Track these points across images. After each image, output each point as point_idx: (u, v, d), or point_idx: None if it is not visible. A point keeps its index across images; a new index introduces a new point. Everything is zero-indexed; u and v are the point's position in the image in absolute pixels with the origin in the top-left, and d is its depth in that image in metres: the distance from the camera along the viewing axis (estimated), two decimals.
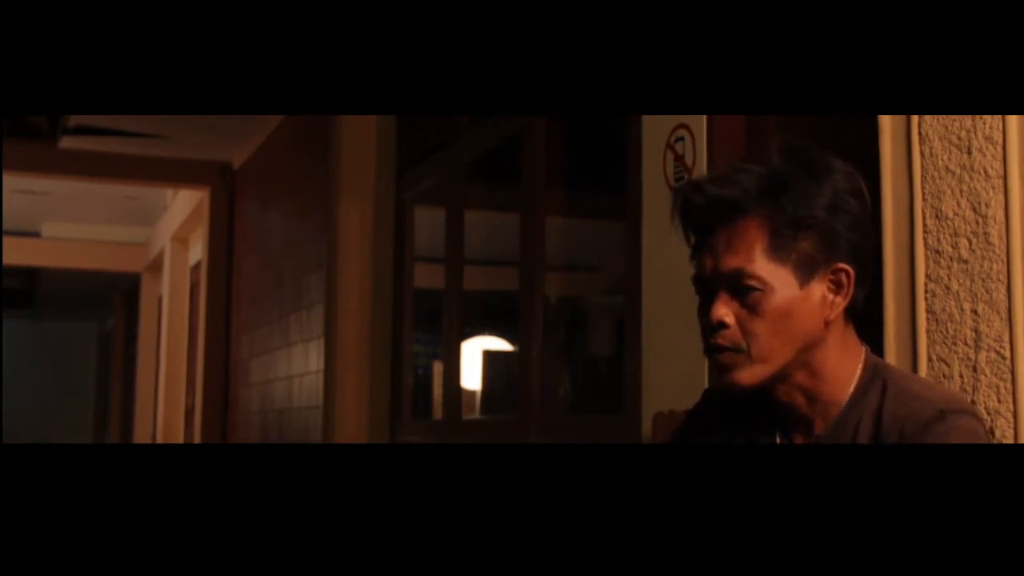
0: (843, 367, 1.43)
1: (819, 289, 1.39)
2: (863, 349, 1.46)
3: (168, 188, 8.67)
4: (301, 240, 5.65)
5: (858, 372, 1.43)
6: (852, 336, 1.45)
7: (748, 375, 1.40)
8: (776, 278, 1.38)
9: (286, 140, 6.03)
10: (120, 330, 13.21)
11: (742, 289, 1.38)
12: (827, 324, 1.40)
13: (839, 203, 1.38)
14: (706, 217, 1.41)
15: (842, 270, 1.39)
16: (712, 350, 1.42)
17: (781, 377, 1.41)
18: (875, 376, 1.42)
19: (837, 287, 1.40)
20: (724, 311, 1.39)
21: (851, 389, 1.42)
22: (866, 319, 1.84)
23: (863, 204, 1.41)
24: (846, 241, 1.39)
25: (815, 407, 1.43)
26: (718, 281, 1.40)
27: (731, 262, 1.38)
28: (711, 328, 1.40)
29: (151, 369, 10.22)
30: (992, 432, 1.71)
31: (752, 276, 1.37)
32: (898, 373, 1.45)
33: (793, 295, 1.38)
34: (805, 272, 1.38)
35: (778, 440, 1.46)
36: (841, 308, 1.41)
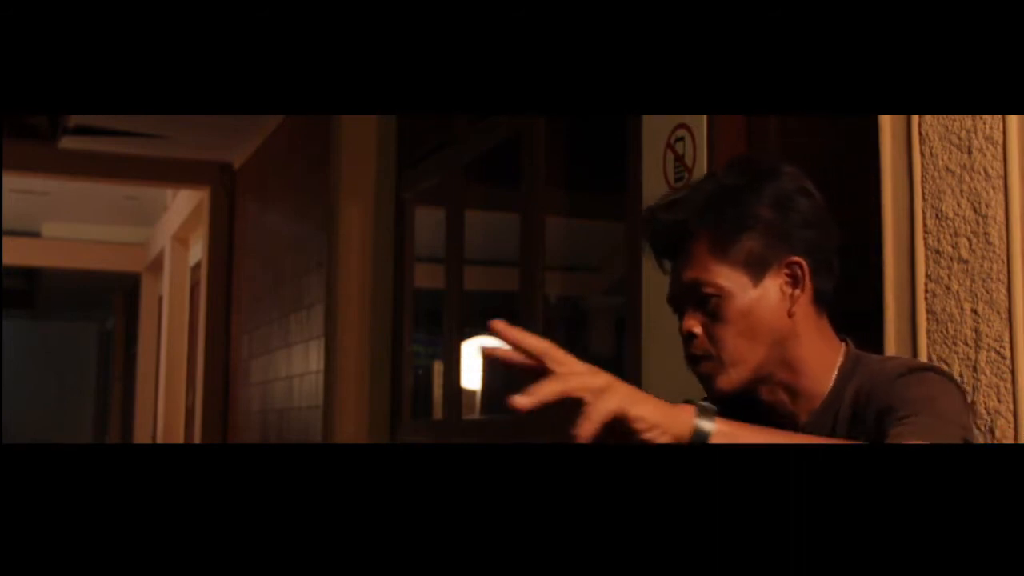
0: (821, 360, 1.47)
1: (775, 284, 1.45)
2: (842, 344, 1.50)
3: (168, 188, 8.67)
4: (301, 240, 5.65)
5: (838, 363, 1.47)
6: (827, 329, 1.49)
7: (726, 380, 1.46)
8: (729, 281, 1.44)
9: (286, 140, 6.03)
10: (120, 330, 13.21)
11: (702, 298, 1.45)
12: (791, 316, 1.45)
13: (784, 202, 1.45)
14: (666, 241, 1.50)
15: (795, 263, 1.45)
16: (691, 362, 1.49)
17: (762, 378, 1.46)
18: (856, 365, 1.46)
19: (794, 280, 1.45)
20: (691, 322, 1.46)
21: (831, 380, 1.46)
22: (865, 319, 1.84)
23: (813, 202, 1.47)
24: (798, 237, 1.45)
25: (798, 402, 1.47)
26: (682, 295, 1.48)
27: (687, 275, 1.46)
28: (685, 341, 1.47)
29: (151, 369, 10.22)
30: (967, 393, 1.71)
31: (706, 284, 1.44)
32: (876, 357, 1.50)
33: (750, 295, 1.44)
34: (756, 270, 1.44)
35: None
36: (802, 300, 1.45)
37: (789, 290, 1.45)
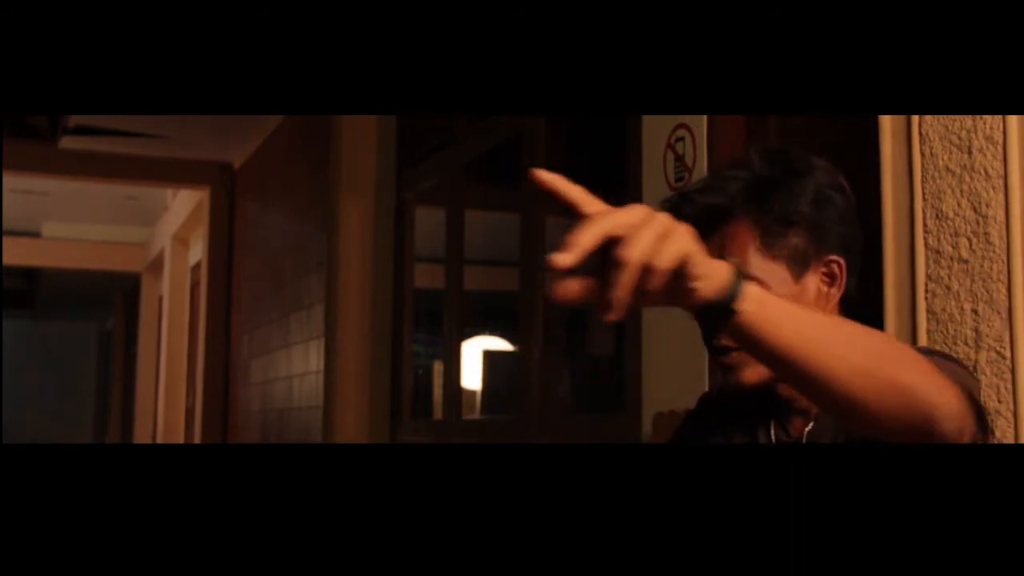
0: None
1: (813, 282, 1.43)
2: None
3: (168, 188, 8.67)
4: (301, 240, 5.65)
5: None
6: None
7: (753, 373, 1.42)
8: (771, 275, 1.40)
9: (286, 140, 6.03)
10: (120, 330, 13.21)
11: None
12: None
13: (823, 198, 1.42)
14: (698, 226, 1.41)
15: (834, 261, 1.43)
16: (717, 351, 1.44)
17: None
18: None
19: (831, 279, 1.43)
20: None
21: None
22: (866, 319, 1.84)
23: (847, 198, 1.45)
24: (835, 234, 1.42)
25: None
26: None
27: None
28: None
29: (151, 369, 10.22)
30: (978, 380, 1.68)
31: (748, 276, 1.39)
32: None
33: (790, 290, 1.41)
34: (798, 266, 1.42)
35: (773, 430, 1.48)
36: (836, 299, 1.44)
37: (826, 289, 1.43)
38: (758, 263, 1.40)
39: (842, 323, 1.19)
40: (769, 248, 1.40)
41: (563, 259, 0.95)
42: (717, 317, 1.06)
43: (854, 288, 1.46)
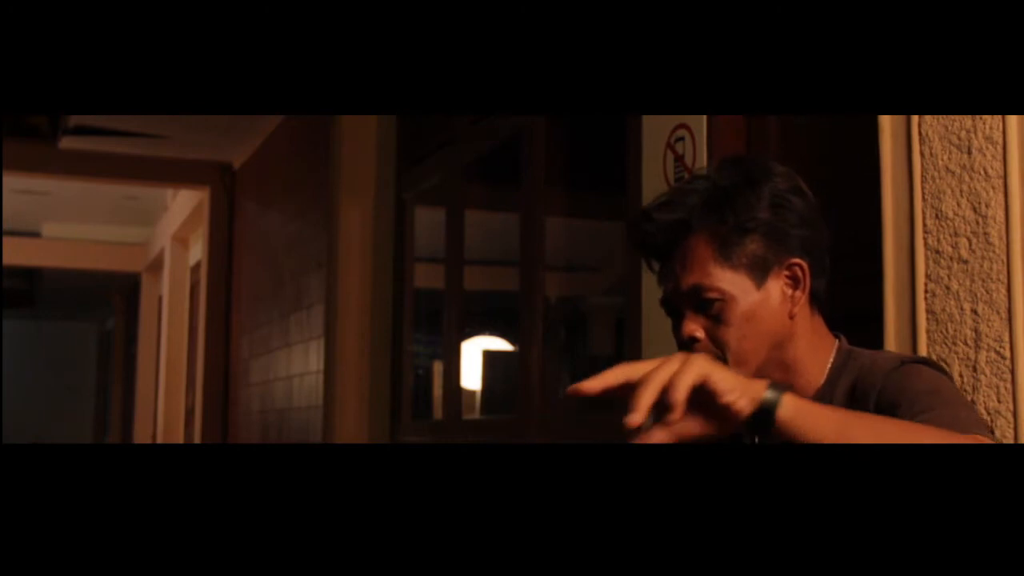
0: (814, 358, 1.47)
1: (776, 286, 1.45)
2: (835, 340, 1.50)
3: (168, 188, 8.67)
4: (301, 240, 5.65)
5: (830, 361, 1.48)
6: (821, 326, 1.50)
7: None
8: (733, 285, 1.43)
9: (286, 140, 6.03)
10: (120, 330, 13.21)
11: (704, 303, 1.44)
12: (792, 318, 1.45)
13: (781, 202, 1.44)
14: (660, 242, 1.47)
15: (796, 264, 1.45)
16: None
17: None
18: (848, 361, 1.47)
19: (794, 282, 1.45)
20: (693, 327, 1.45)
21: (823, 378, 1.47)
22: (865, 319, 1.84)
23: (806, 201, 1.47)
24: (795, 237, 1.44)
25: None
26: (681, 300, 1.46)
27: (688, 279, 1.44)
28: (685, 345, 1.46)
29: (151, 369, 10.22)
30: (953, 376, 1.70)
31: (710, 288, 1.43)
32: (869, 353, 1.49)
33: (753, 298, 1.43)
34: (759, 273, 1.44)
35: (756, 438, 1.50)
36: (802, 301, 1.46)
37: (790, 291, 1.45)
38: (719, 274, 1.43)
39: (864, 417, 1.25)
40: (728, 258, 1.43)
41: (588, 387, 1.15)
42: (760, 425, 1.17)
43: (822, 288, 1.48)
